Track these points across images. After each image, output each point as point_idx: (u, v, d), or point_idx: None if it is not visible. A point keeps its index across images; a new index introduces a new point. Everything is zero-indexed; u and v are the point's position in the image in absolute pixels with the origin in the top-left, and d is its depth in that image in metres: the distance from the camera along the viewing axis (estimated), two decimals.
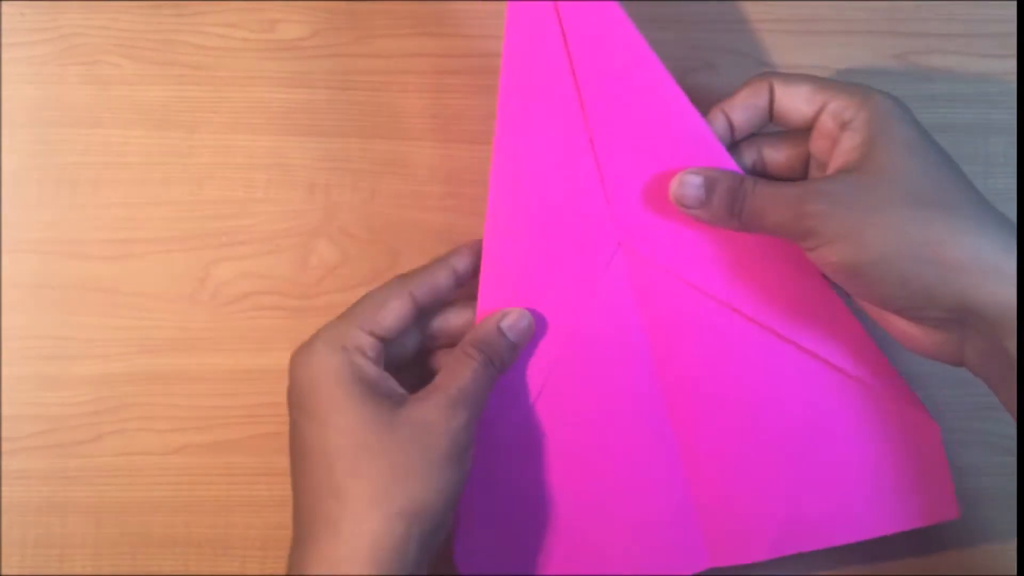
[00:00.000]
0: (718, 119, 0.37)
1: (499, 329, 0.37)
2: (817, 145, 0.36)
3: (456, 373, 0.35)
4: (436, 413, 0.34)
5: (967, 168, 0.43)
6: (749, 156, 0.38)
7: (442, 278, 0.38)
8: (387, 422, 0.34)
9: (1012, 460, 0.44)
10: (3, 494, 0.42)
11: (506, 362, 0.37)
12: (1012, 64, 0.44)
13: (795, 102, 0.36)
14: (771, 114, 0.37)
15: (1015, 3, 0.44)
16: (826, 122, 0.35)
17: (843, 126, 0.35)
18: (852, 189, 0.33)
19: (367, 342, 0.35)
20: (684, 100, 0.36)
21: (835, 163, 0.35)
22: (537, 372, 0.38)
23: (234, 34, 0.43)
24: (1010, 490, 0.44)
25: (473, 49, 0.43)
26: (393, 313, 0.36)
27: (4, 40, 0.42)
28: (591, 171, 0.37)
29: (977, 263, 0.31)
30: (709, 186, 0.35)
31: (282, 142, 0.43)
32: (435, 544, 0.34)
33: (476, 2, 0.43)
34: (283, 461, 0.42)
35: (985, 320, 0.32)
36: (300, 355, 0.35)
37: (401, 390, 0.36)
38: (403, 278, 0.37)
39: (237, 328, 0.42)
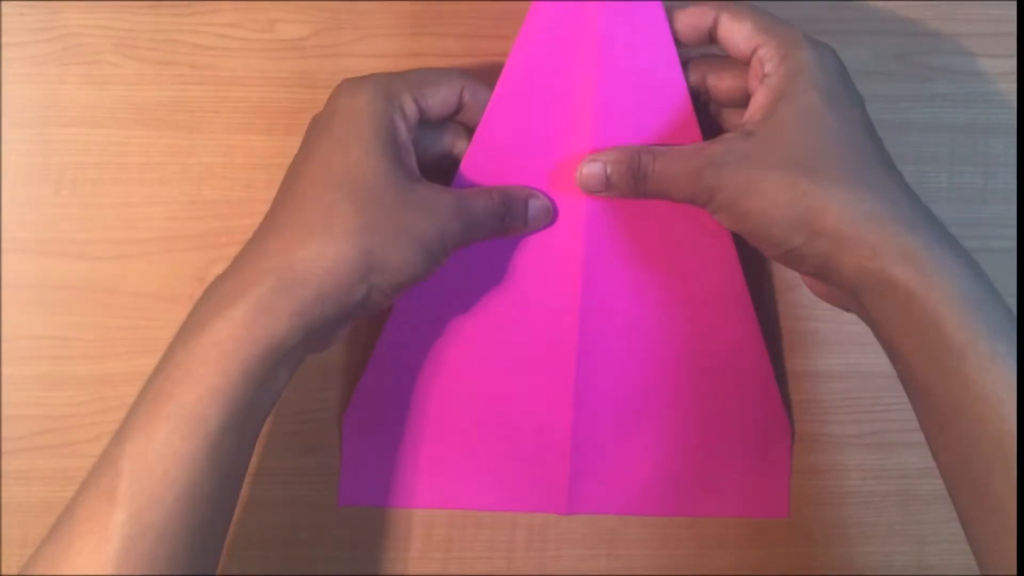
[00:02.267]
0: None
1: (526, 201, 0.38)
2: (751, 83, 0.37)
3: (475, 195, 0.36)
4: (444, 206, 0.34)
5: (967, 168, 0.44)
6: (695, 77, 0.38)
7: (483, 94, 0.38)
8: (400, 187, 0.34)
9: None
10: (3, 494, 0.42)
11: (511, 229, 0.38)
12: (1012, 64, 0.44)
13: (735, 37, 0.36)
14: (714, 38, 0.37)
15: (1015, 3, 0.44)
16: (756, 65, 0.36)
17: (763, 77, 0.35)
18: (742, 154, 0.34)
19: (411, 108, 0.36)
20: (688, 104, 0.38)
21: (747, 114, 0.36)
22: (465, 285, 0.40)
23: (234, 34, 0.43)
24: None
25: (473, 49, 0.43)
26: (441, 95, 0.37)
27: (4, 40, 0.42)
28: (586, 129, 0.38)
29: (840, 231, 0.33)
30: (609, 169, 0.37)
31: (282, 142, 0.43)
32: (343, 318, 0.34)
33: (476, 2, 0.43)
34: (283, 462, 0.42)
35: (846, 286, 0.34)
36: (349, 85, 0.35)
37: (415, 168, 0.36)
38: (462, 70, 0.38)
39: None
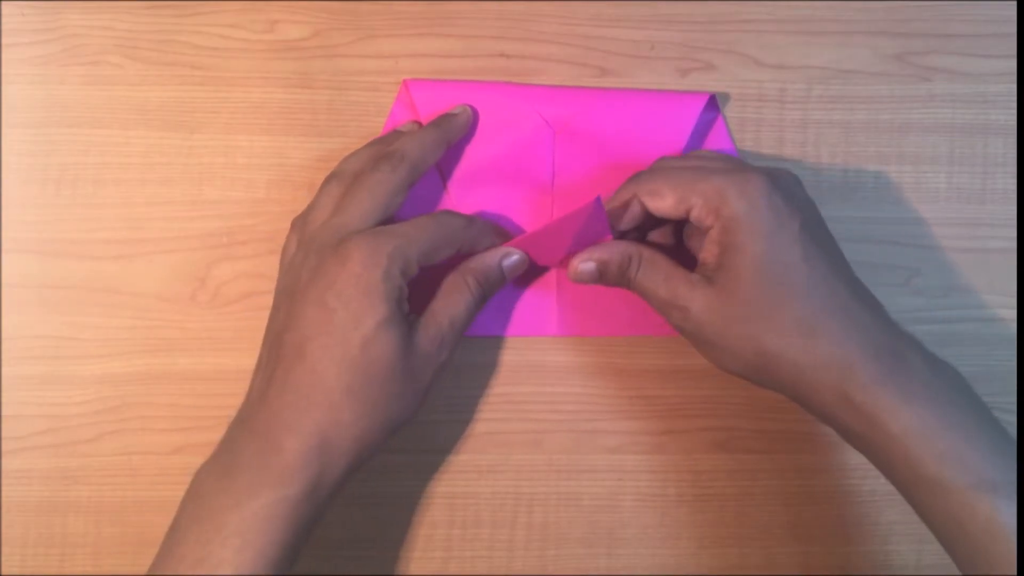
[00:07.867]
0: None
1: (500, 267, 0.39)
2: (692, 242, 0.40)
3: (454, 302, 0.38)
4: (432, 349, 0.37)
5: (966, 169, 0.44)
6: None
7: (485, 240, 0.40)
8: (403, 350, 0.36)
9: None
10: (3, 494, 0.42)
11: (494, 293, 0.40)
12: (1012, 64, 0.44)
13: (665, 211, 0.37)
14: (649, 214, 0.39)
15: (1015, 3, 0.44)
16: (693, 227, 0.39)
17: (703, 233, 0.37)
18: (705, 304, 0.36)
19: (415, 269, 0.37)
20: None
21: (702, 255, 0.37)
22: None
23: (235, 34, 0.43)
24: None
25: (473, 49, 0.43)
26: (444, 254, 0.38)
27: (5, 40, 0.42)
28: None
29: (797, 379, 0.35)
30: (602, 269, 0.38)
31: (282, 142, 0.43)
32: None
33: (476, 2, 0.43)
34: None
35: (823, 420, 0.37)
36: (364, 253, 0.35)
37: (407, 306, 0.37)
38: (465, 221, 0.39)
39: (237, 328, 0.42)
